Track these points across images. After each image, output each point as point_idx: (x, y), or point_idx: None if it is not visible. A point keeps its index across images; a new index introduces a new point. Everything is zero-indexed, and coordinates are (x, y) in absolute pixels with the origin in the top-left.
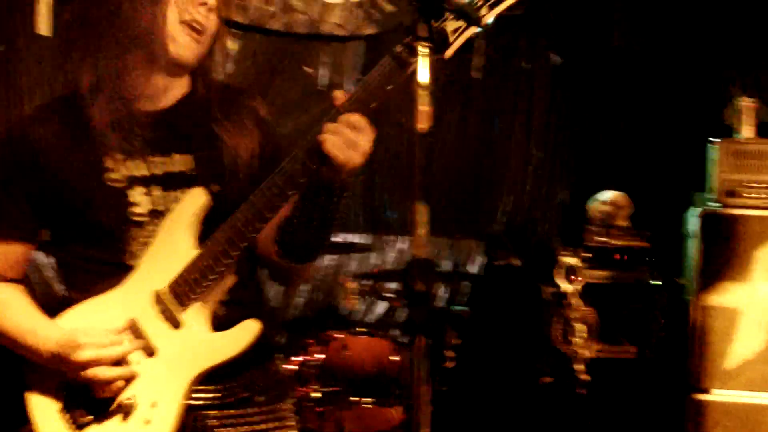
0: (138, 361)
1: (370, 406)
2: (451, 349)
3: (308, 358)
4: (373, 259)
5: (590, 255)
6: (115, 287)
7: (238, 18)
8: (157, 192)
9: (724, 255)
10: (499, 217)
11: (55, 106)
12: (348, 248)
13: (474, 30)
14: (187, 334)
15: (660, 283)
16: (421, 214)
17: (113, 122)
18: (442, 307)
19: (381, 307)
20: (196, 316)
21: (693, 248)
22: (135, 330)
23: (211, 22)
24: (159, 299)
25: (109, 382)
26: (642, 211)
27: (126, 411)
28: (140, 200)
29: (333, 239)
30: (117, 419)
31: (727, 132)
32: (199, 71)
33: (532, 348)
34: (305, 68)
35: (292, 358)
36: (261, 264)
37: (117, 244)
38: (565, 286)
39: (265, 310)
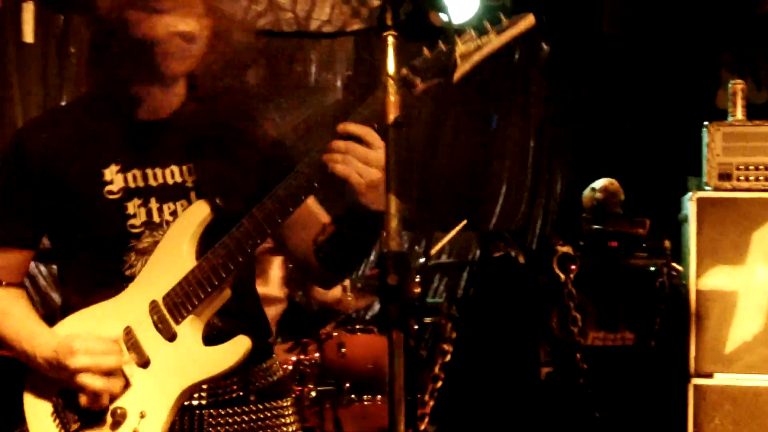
0: (131, 370)
1: (368, 403)
2: (448, 342)
3: (305, 356)
4: (372, 256)
5: (585, 243)
6: (114, 296)
7: None
8: (153, 204)
9: (719, 239)
10: (498, 210)
11: (57, 114)
12: None
13: (483, 55)
14: (180, 346)
15: (657, 269)
16: (394, 206)
17: (111, 133)
18: (418, 300)
19: (378, 304)
20: (191, 328)
21: (689, 233)
22: (130, 338)
23: (203, 29)
24: (155, 309)
25: (99, 392)
26: (640, 197)
27: (116, 420)
28: (137, 212)
29: None
30: (106, 427)
31: (723, 116)
32: (196, 79)
33: (531, 338)
34: (295, 66)
35: (290, 357)
36: (301, 271)
37: (115, 254)
38: (560, 274)
39: (262, 320)
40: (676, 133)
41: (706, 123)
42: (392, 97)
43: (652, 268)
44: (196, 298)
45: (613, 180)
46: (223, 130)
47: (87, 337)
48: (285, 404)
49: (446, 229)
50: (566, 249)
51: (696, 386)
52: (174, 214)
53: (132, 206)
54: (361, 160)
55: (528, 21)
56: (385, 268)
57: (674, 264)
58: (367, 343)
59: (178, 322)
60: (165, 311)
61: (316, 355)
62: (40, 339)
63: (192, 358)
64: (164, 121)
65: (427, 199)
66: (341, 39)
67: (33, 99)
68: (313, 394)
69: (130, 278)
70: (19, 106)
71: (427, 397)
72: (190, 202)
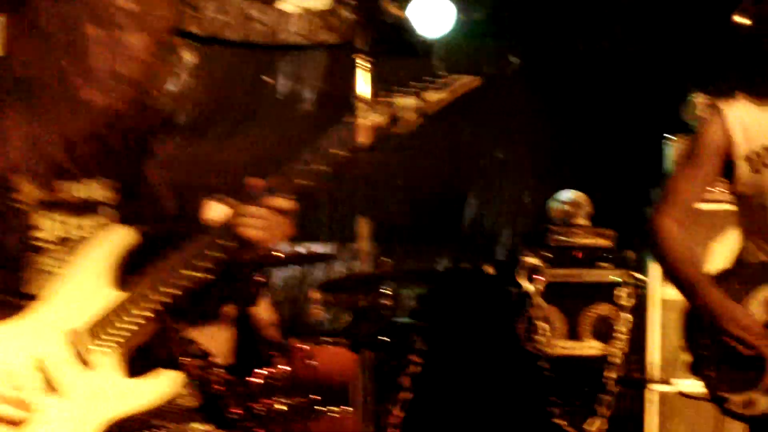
0: (42, 400)
1: (337, 415)
2: (416, 353)
3: (273, 369)
4: (339, 267)
5: (551, 255)
6: (16, 316)
7: (194, 29)
8: (64, 218)
9: None
10: (465, 220)
11: None
12: (313, 259)
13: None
14: (99, 377)
15: (622, 279)
16: (364, 228)
17: (26, 140)
18: (387, 320)
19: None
20: (110, 359)
21: None
22: (43, 367)
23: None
24: (72, 337)
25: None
26: (609, 209)
27: None
28: (45, 225)
29: (297, 249)
30: None
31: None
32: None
33: (499, 348)
34: (264, 78)
35: (257, 371)
36: None
37: (14, 268)
38: (527, 286)
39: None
40: (644, 145)
41: (667, 136)
42: (362, 120)
43: (618, 279)
44: (118, 329)
45: (579, 192)
46: (139, 145)
47: None
48: None
49: (412, 241)
50: (533, 260)
51: (654, 393)
52: (85, 231)
53: (40, 219)
54: (275, 228)
55: (471, 82)
56: (355, 289)
57: (638, 274)
58: (335, 354)
59: (96, 352)
60: (83, 341)
61: (284, 367)
62: None
63: (113, 391)
64: (86, 132)
65: (389, 212)
66: (313, 51)
67: None
68: (281, 407)
69: (26, 296)
70: None
71: (397, 410)
72: (102, 220)
